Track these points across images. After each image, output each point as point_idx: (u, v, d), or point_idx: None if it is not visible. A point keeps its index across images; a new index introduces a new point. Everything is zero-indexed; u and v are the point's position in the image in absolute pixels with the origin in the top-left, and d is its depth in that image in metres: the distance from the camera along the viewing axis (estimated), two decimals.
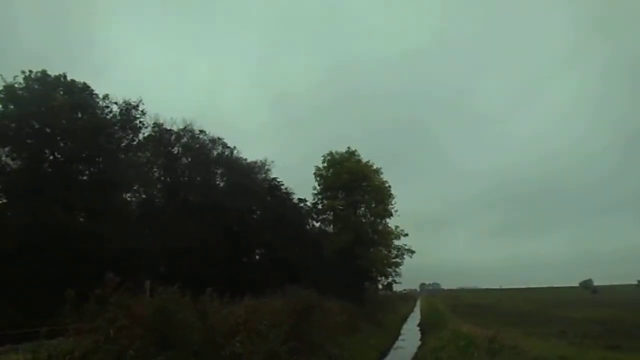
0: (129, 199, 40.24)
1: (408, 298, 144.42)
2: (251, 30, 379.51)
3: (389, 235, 60.63)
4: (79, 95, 34.26)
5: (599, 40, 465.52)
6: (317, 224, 61.24)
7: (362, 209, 60.21)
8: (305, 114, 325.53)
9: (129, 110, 37.85)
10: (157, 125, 43.23)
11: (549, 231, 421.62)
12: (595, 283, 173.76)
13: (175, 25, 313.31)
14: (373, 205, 59.09)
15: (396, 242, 61.67)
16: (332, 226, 60.73)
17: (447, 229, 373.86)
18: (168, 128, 44.31)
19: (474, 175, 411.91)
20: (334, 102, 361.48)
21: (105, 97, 36.33)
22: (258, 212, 50.26)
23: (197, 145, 46.39)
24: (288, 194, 54.73)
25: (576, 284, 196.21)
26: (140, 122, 39.15)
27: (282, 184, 54.36)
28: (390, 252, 61.63)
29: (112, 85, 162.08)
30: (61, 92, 33.70)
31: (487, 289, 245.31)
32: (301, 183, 62.44)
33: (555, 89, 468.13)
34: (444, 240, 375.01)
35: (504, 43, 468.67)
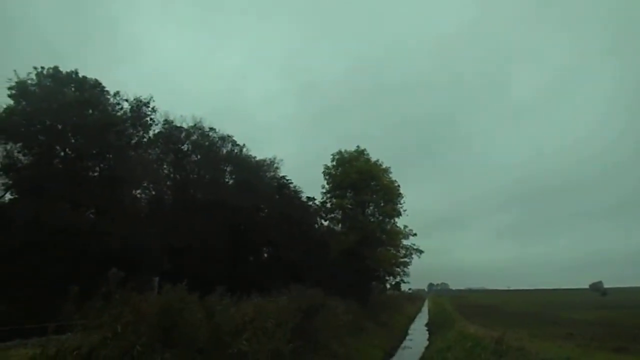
0: (138, 195, 40.42)
1: (416, 298, 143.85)
2: (280, 20, 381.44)
3: (397, 235, 60.39)
4: (90, 92, 34.46)
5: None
6: (326, 223, 61.22)
7: (371, 208, 59.98)
8: (329, 107, 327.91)
9: (139, 107, 38.09)
10: (167, 122, 43.51)
11: (559, 232, 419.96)
12: (607, 285, 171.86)
13: (200, 14, 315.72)
14: (382, 204, 58.84)
15: (404, 242, 61.53)
16: (340, 225, 60.61)
17: (456, 230, 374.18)
18: (178, 125, 44.55)
19: (487, 175, 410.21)
20: (358, 96, 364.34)
21: (116, 94, 36.64)
22: (266, 210, 50.34)
23: (207, 143, 46.57)
24: (296, 193, 54.77)
25: (586, 286, 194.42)
26: (150, 119, 39.41)
27: (291, 182, 54.47)
28: (398, 251, 61.39)
29: (136, 76, 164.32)
30: (72, 89, 33.93)
31: (495, 290, 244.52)
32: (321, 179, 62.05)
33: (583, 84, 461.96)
34: (453, 241, 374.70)
35: (533, 36, 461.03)
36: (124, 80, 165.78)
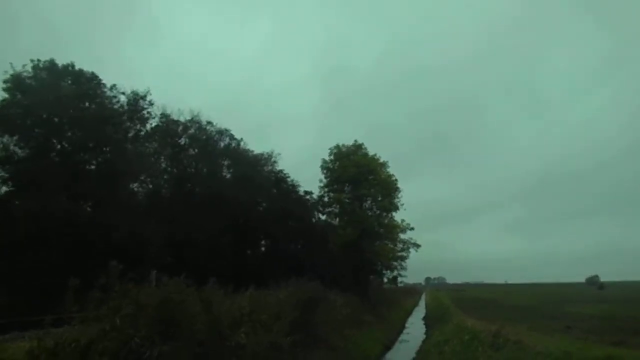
0: (135, 189, 40.34)
1: (413, 292, 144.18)
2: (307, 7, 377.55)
3: (394, 229, 60.58)
4: (87, 85, 34.32)
5: None
6: (323, 217, 61.27)
7: (368, 202, 60.08)
8: (349, 96, 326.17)
9: (136, 101, 37.96)
10: (164, 116, 43.32)
11: (558, 227, 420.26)
12: (604, 279, 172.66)
13: None
14: (379, 198, 58.98)
15: (402, 236, 61.75)
16: (337, 219, 60.67)
17: (460, 224, 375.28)
18: (175, 119, 44.39)
19: (496, 168, 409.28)
20: (378, 85, 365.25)
21: (113, 87, 36.49)
22: (263, 204, 50.30)
23: (204, 137, 46.44)
24: (294, 187, 54.80)
25: (582, 280, 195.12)
26: (147, 112, 39.35)
27: (288, 176, 54.54)
28: (395, 245, 61.66)
29: (152, 61, 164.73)
30: (69, 82, 33.76)
31: (492, 284, 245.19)
32: None
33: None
34: (456, 234, 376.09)
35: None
36: (141, 62, 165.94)
